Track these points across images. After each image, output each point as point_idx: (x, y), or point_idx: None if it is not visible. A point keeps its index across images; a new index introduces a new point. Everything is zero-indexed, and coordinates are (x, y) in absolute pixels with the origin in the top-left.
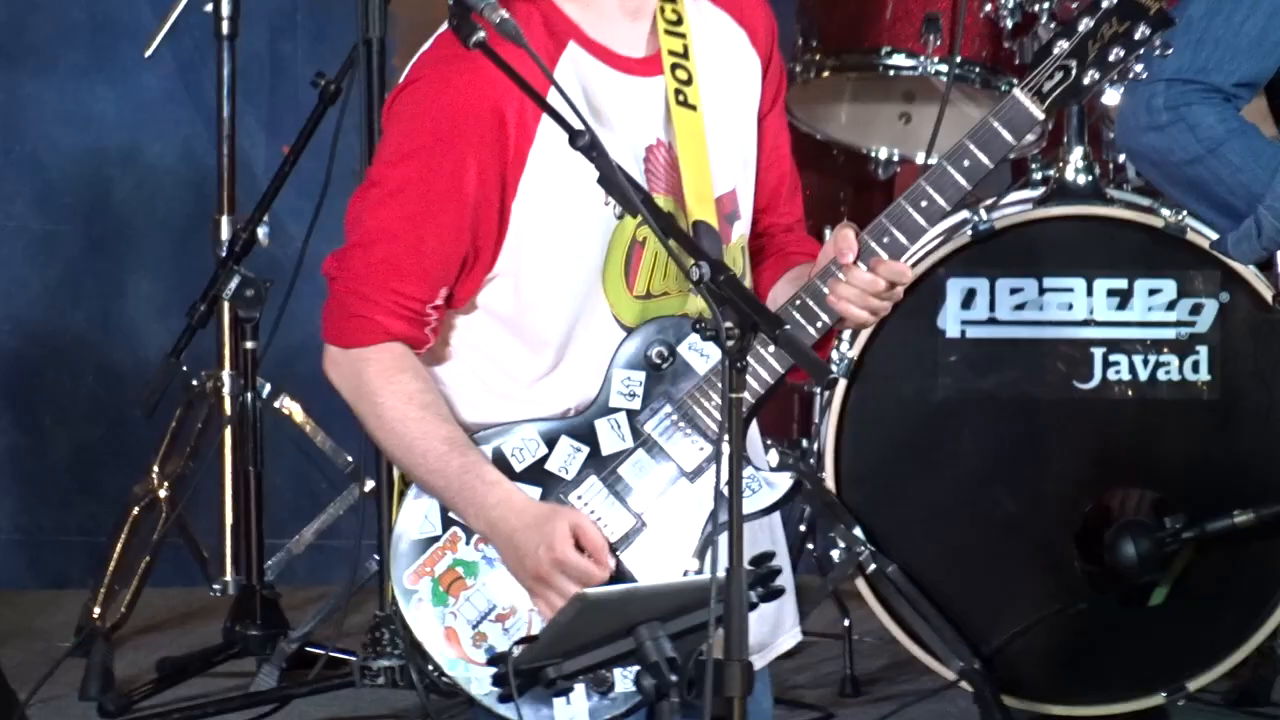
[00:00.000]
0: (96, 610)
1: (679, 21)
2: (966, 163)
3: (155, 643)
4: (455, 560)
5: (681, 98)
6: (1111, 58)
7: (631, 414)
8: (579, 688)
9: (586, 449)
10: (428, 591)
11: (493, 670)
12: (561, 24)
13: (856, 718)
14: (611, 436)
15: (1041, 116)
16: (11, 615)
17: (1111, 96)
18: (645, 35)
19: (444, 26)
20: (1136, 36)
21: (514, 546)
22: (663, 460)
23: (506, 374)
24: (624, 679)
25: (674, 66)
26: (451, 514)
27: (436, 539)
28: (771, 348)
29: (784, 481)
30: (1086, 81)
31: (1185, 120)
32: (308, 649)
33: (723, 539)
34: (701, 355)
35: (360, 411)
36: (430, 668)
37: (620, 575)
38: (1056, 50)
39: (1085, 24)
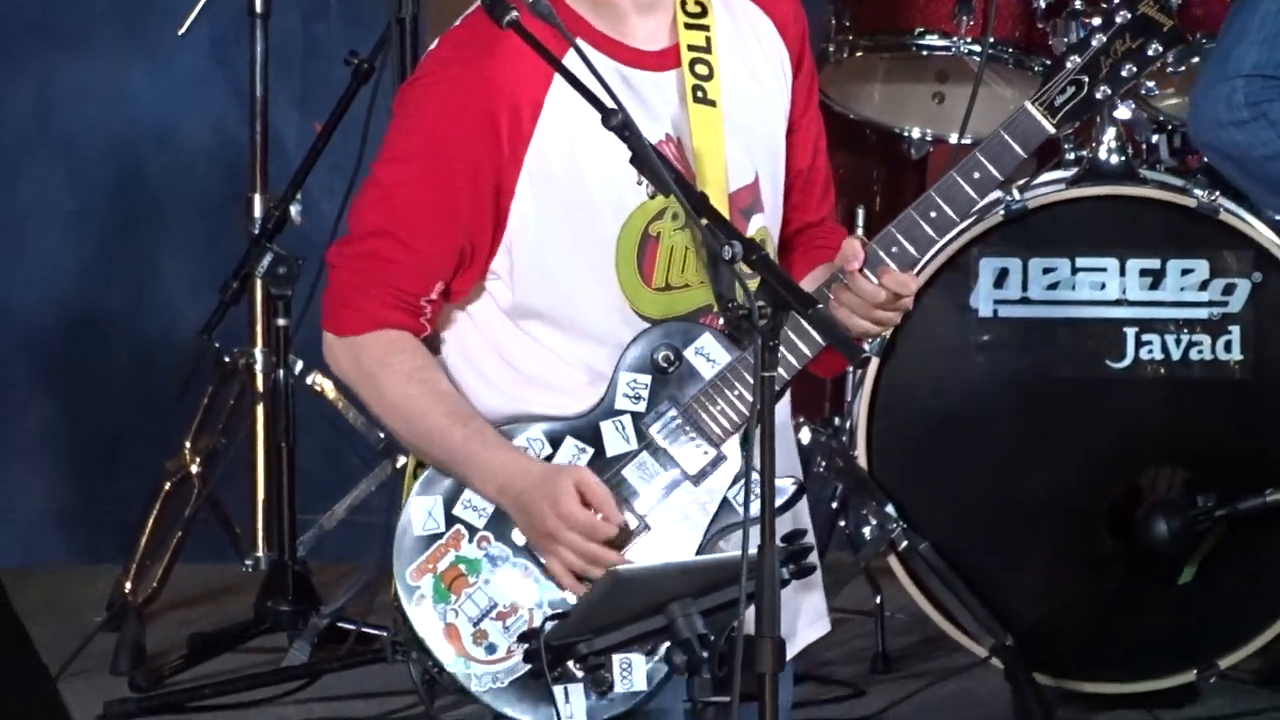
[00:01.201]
0: (128, 585)
1: (702, 13)
2: (977, 175)
3: (186, 618)
4: (458, 557)
5: (700, 94)
6: (1124, 73)
7: (636, 416)
8: (577, 688)
9: (591, 450)
10: (430, 588)
11: (491, 668)
12: (570, 21)
13: (887, 695)
14: (616, 438)
15: (1052, 130)
16: (44, 590)
17: (1123, 112)
18: (665, 27)
19: (464, 15)
20: (1149, 53)
21: (521, 507)
22: (666, 463)
23: (520, 371)
24: (623, 679)
25: (694, 62)
26: (455, 511)
27: (440, 536)
28: (780, 351)
29: (787, 487)
30: (1098, 96)
31: (1266, 116)
32: (339, 625)
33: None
34: (708, 360)
35: (363, 395)
36: (430, 664)
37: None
38: (1069, 65)
39: (1098, 39)
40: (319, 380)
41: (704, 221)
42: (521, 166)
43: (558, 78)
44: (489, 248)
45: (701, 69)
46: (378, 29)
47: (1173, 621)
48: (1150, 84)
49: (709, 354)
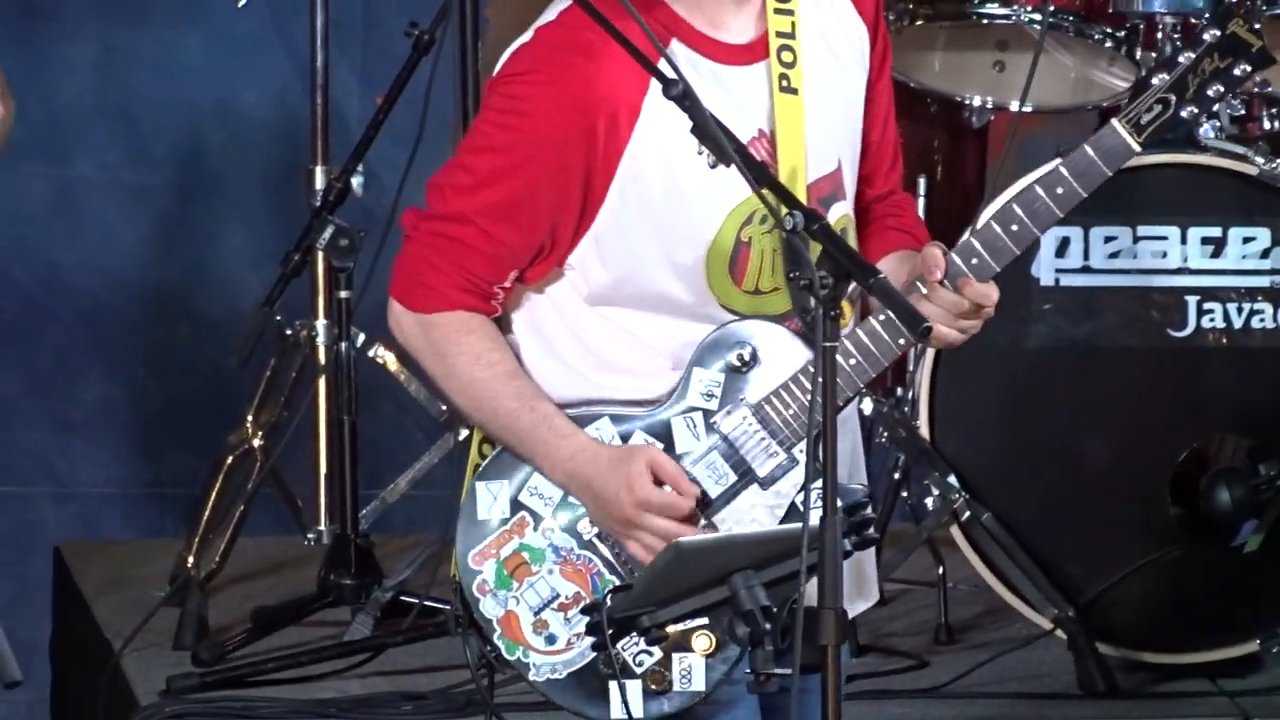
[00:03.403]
0: (191, 560)
1: None
2: (1060, 190)
3: (249, 592)
4: (522, 545)
5: (785, 83)
6: (1210, 93)
7: (708, 414)
8: (635, 685)
9: (660, 446)
10: (491, 574)
11: (550, 659)
12: (668, 20)
13: (950, 665)
14: (687, 435)
15: (1138, 149)
16: (106, 565)
17: (1207, 131)
18: (754, 16)
19: (552, 10)
20: (1236, 73)
21: (594, 494)
22: (736, 464)
23: (600, 356)
24: (683, 680)
25: (780, 49)
26: (521, 498)
27: (505, 521)
28: (853, 360)
29: (856, 496)
30: (1184, 115)
31: None
32: (402, 598)
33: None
34: (783, 361)
35: (430, 372)
36: (488, 648)
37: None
38: (1156, 82)
39: (1186, 57)
40: (381, 353)
41: (764, 191)
42: (615, 172)
43: (654, 85)
44: (570, 242)
45: (787, 56)
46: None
47: (1236, 590)
48: (1235, 102)
49: (784, 355)
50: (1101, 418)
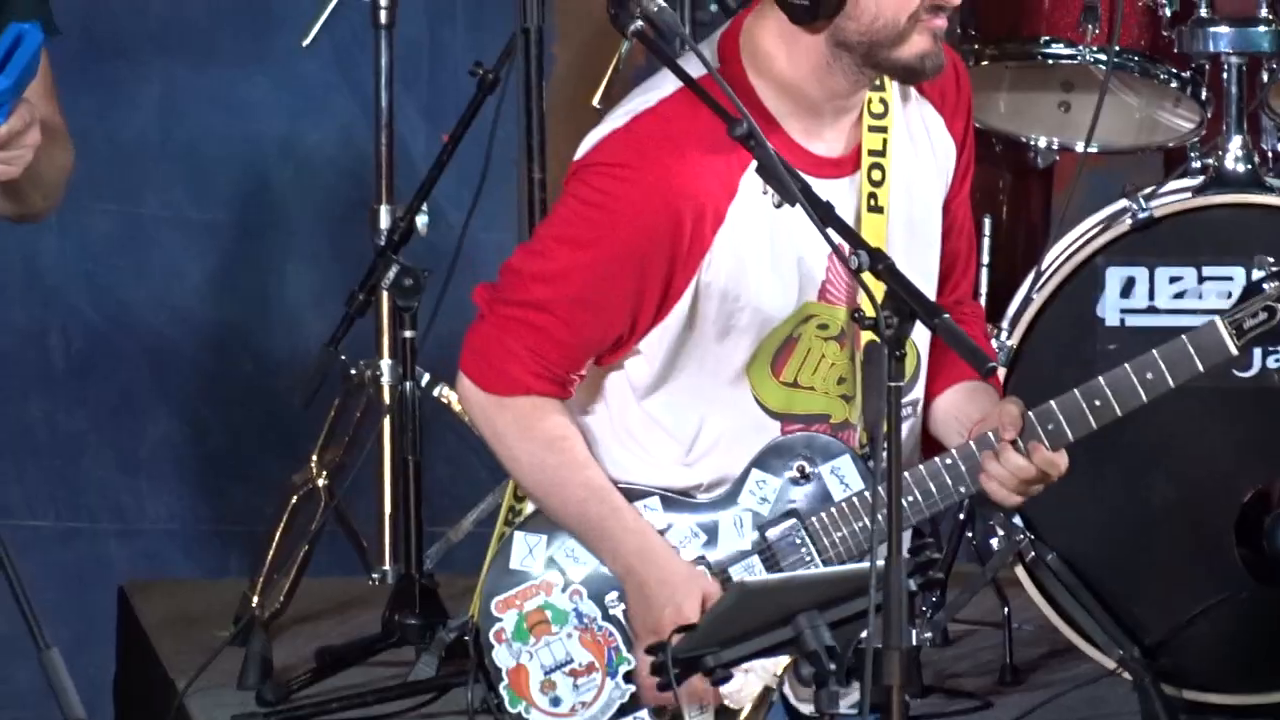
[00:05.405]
0: (255, 599)
1: (884, 114)
2: (1149, 375)
3: (314, 632)
4: (546, 603)
5: (872, 201)
6: None
7: (757, 517)
8: None
9: (704, 537)
10: (511, 624)
11: None
12: (764, 121)
13: (1015, 706)
14: (732, 534)
15: (1235, 352)
16: (169, 604)
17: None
18: (849, 128)
19: (653, 93)
20: None
21: (644, 595)
22: (775, 575)
23: (638, 439)
24: None
25: (871, 167)
26: (555, 555)
27: (534, 576)
28: (910, 498)
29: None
30: None
31: None
32: (466, 638)
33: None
34: (841, 482)
35: (495, 449)
36: (491, 695)
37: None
38: (1267, 289)
39: None
40: (445, 392)
41: (829, 230)
42: (695, 272)
43: (742, 189)
44: (645, 332)
45: (876, 174)
46: (503, 38)
47: None
48: None
49: (844, 476)
50: (1167, 458)
